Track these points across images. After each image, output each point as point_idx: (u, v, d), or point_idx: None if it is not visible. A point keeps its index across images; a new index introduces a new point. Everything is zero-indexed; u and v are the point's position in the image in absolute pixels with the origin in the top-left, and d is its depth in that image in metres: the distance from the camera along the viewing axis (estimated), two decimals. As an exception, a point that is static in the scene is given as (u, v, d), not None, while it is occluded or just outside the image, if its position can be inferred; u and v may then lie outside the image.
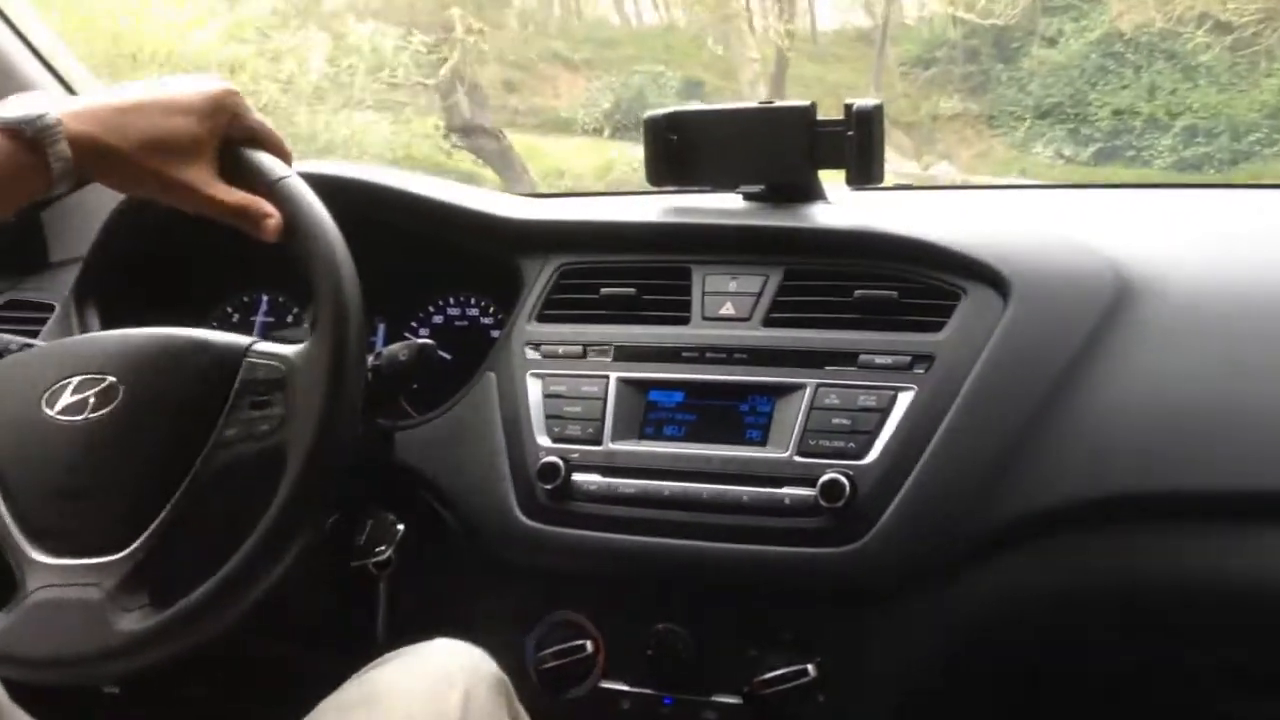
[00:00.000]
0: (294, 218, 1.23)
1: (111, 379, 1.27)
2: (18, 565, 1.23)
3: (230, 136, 1.25)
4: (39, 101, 1.17)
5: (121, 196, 1.58)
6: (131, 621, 1.17)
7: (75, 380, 1.28)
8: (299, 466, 1.18)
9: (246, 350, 1.26)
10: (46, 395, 1.28)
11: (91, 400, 1.26)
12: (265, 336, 1.71)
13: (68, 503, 1.24)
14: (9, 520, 1.25)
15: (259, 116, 1.27)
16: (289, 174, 1.25)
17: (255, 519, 1.18)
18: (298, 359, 1.24)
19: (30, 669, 1.19)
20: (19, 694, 1.16)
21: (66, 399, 1.27)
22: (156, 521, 1.21)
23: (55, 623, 1.19)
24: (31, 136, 1.14)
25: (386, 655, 1.25)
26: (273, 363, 1.25)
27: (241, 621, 1.18)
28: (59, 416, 1.26)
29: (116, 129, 1.18)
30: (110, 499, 1.23)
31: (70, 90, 1.96)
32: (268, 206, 1.23)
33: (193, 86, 1.23)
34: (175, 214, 1.26)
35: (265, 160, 1.25)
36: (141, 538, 1.21)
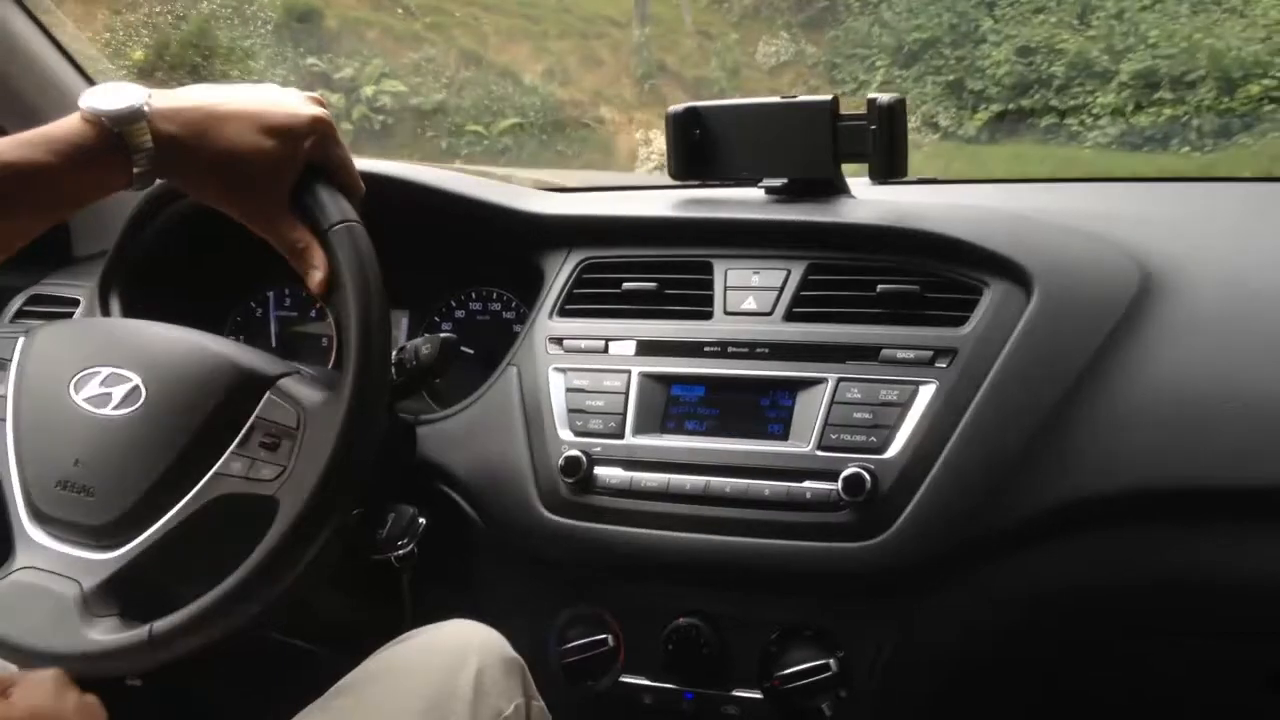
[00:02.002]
0: (338, 269, 1.21)
1: (138, 381, 1.27)
2: (12, 537, 1.24)
3: (309, 164, 1.21)
4: (130, 93, 1.14)
5: (142, 194, 1.59)
6: (96, 631, 1.18)
7: (104, 372, 1.29)
8: (283, 528, 1.18)
9: (273, 383, 1.26)
10: (75, 379, 1.29)
11: (114, 397, 1.27)
12: (284, 331, 1.73)
13: (69, 492, 1.24)
14: (17, 492, 1.26)
15: (342, 148, 1.24)
16: (346, 219, 1.22)
17: (237, 559, 1.18)
18: (314, 411, 1.23)
19: None
20: None
21: (92, 388, 1.28)
22: (146, 533, 1.22)
23: (27, 608, 1.20)
24: (118, 132, 1.12)
25: (401, 635, 1.26)
26: (291, 407, 1.25)
27: (200, 654, 1.19)
28: (82, 404, 1.27)
29: (203, 135, 1.15)
30: (109, 500, 1.24)
31: (89, 79, 1.96)
32: (319, 258, 1.21)
33: (289, 104, 1.20)
34: (199, 210, 1.27)
35: (329, 200, 1.22)
36: (128, 546, 1.22)
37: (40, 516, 1.25)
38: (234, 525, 1.22)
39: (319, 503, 1.17)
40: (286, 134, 1.18)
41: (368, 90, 8.12)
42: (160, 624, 1.17)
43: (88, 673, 1.16)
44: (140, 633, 1.17)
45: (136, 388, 1.27)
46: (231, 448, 1.24)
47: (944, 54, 6.88)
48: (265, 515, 1.20)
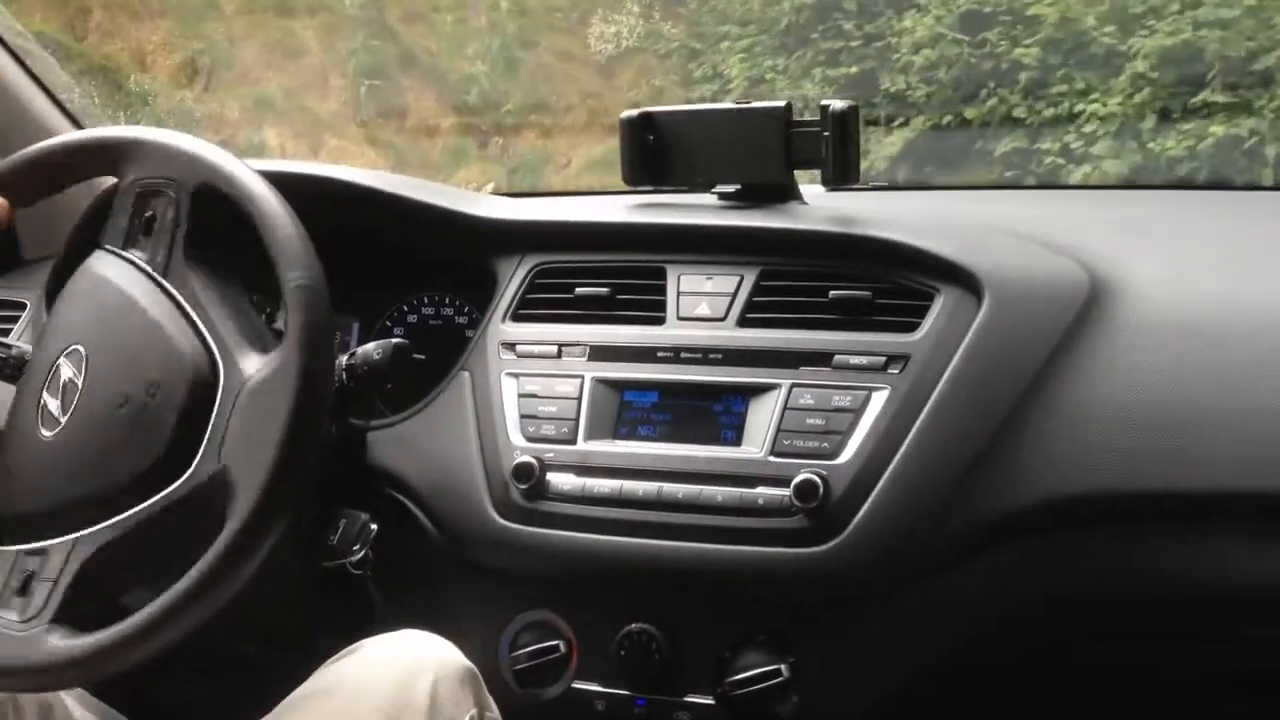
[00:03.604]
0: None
1: (62, 355, 1.25)
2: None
3: None
4: None
5: (95, 194, 1.57)
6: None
7: (39, 384, 1.25)
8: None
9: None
10: (26, 425, 1.26)
11: (76, 384, 1.24)
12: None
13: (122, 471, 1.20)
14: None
15: None
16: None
17: None
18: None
19: None
20: None
21: (51, 403, 1.24)
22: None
23: None
24: None
25: (352, 646, 1.25)
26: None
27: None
28: (55, 432, 1.24)
29: None
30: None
31: (78, 125, 1.95)
32: None
33: None
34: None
35: None
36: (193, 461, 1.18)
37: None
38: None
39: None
40: None
41: None
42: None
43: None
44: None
45: (74, 354, 1.25)
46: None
47: (845, 30, 4.46)
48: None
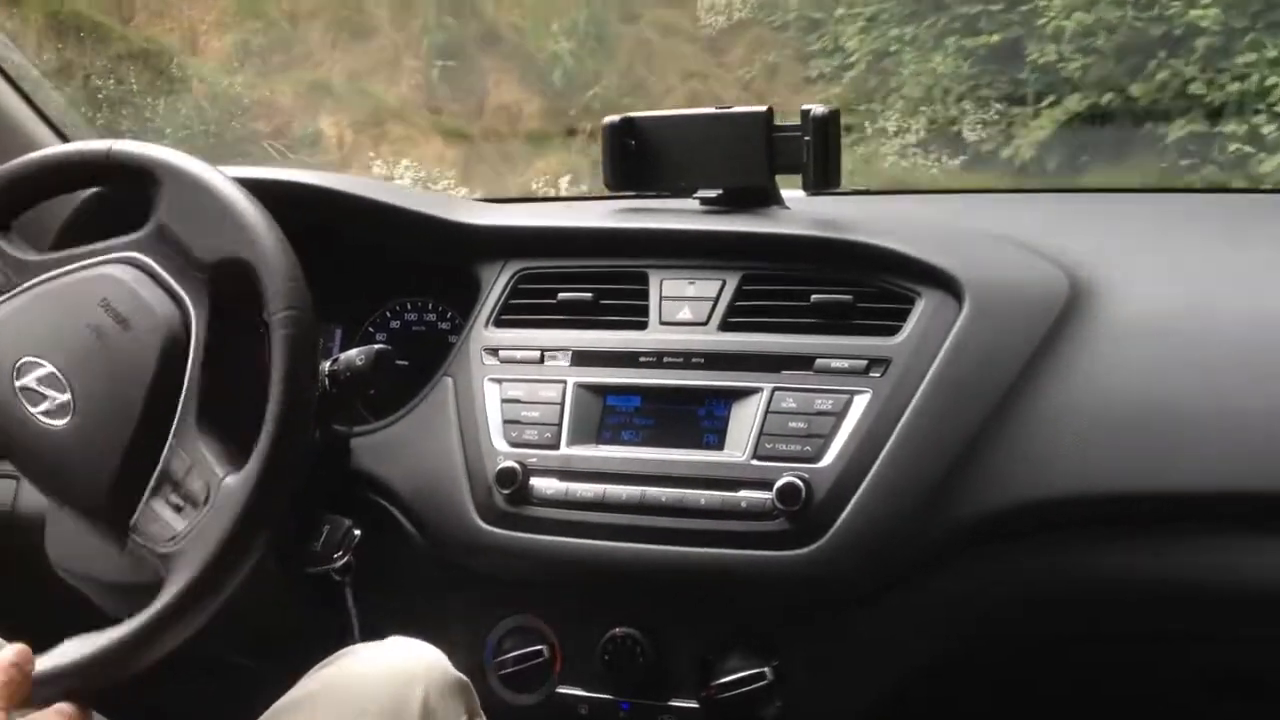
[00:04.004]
0: None
1: (47, 374, 1.26)
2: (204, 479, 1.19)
3: None
4: None
5: (81, 197, 1.57)
6: None
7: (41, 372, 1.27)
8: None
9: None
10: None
11: (50, 396, 1.25)
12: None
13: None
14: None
15: None
16: None
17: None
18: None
19: None
20: None
21: (47, 405, 1.25)
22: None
23: None
24: None
25: (340, 652, 1.24)
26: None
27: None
28: (62, 425, 1.25)
29: None
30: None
31: (63, 138, 1.95)
32: None
33: None
34: (130, 215, 1.26)
35: None
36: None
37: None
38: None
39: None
40: None
41: None
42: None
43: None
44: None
45: (25, 365, 1.25)
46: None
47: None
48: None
